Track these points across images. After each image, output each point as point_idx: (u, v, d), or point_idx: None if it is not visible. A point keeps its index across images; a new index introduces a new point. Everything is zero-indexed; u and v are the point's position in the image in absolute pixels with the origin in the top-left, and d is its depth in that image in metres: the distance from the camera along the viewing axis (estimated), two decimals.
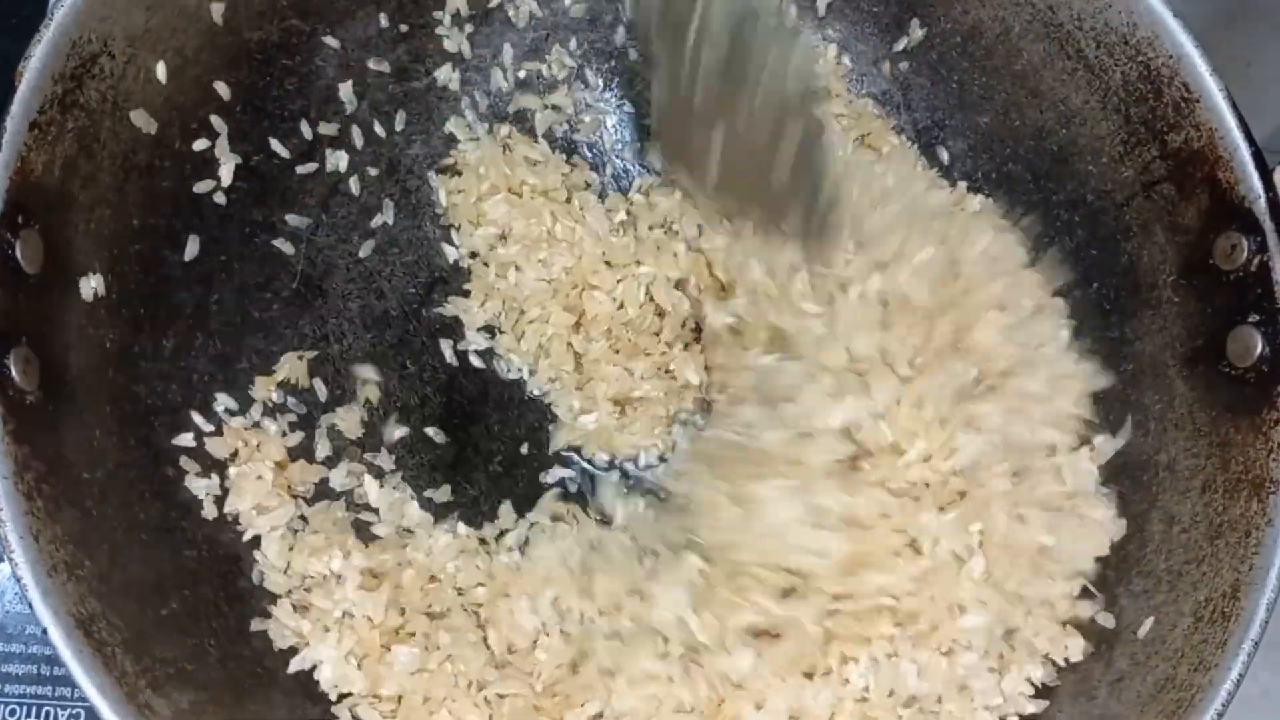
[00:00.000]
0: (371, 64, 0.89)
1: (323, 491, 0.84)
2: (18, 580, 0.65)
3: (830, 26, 0.95)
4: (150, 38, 0.76)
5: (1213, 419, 0.78)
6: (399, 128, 0.91)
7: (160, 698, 0.68)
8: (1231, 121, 0.77)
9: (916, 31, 0.92)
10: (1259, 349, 0.75)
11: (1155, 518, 0.80)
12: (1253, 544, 0.73)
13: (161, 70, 0.78)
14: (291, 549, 0.80)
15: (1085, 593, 0.80)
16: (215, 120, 0.82)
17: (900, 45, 0.93)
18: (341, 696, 0.77)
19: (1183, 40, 0.78)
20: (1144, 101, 0.81)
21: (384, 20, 0.89)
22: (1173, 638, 0.75)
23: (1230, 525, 0.75)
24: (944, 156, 0.93)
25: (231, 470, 0.81)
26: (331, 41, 0.87)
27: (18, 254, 0.68)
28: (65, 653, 0.65)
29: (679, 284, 0.89)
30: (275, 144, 0.86)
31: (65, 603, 0.65)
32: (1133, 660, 0.77)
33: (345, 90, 0.88)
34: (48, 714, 0.86)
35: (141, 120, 0.77)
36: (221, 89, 0.83)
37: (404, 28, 0.90)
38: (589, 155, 0.94)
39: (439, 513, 0.85)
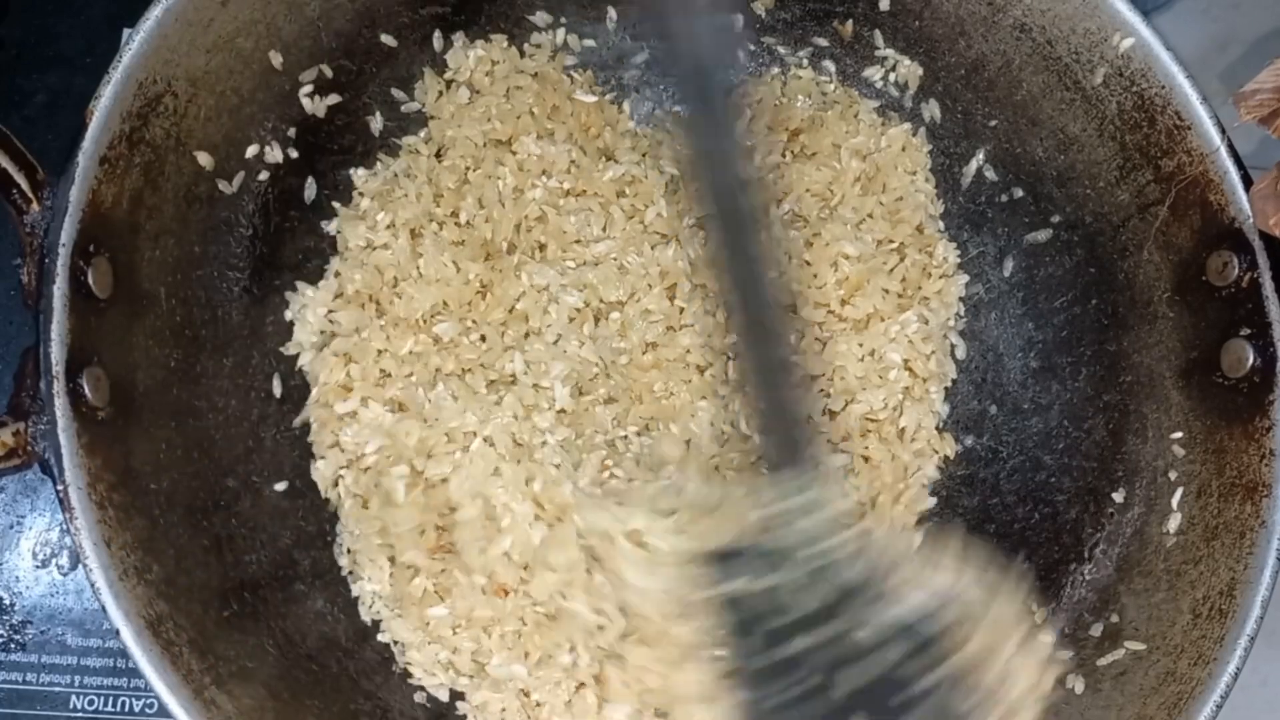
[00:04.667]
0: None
1: None
2: (91, 584, 0.67)
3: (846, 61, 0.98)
4: (210, 79, 0.79)
5: (1208, 427, 0.80)
6: None
7: (224, 694, 0.70)
8: (1221, 147, 0.79)
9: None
10: (1250, 361, 0.77)
11: (1154, 521, 0.82)
12: (1247, 544, 0.75)
13: (220, 108, 0.81)
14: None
15: None
16: (270, 154, 0.86)
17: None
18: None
19: (1174, 71, 0.81)
20: (1138, 129, 0.84)
21: (427, 60, 0.93)
22: (1173, 634, 0.77)
23: (1225, 527, 0.77)
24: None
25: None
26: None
27: (89, 280, 0.70)
28: (136, 652, 0.67)
29: None
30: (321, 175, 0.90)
31: (135, 605, 0.67)
32: (1135, 655, 0.79)
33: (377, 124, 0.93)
34: (123, 703, 0.89)
35: (202, 157, 0.80)
36: (275, 125, 0.86)
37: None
38: None
39: None
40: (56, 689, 0.89)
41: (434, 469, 0.83)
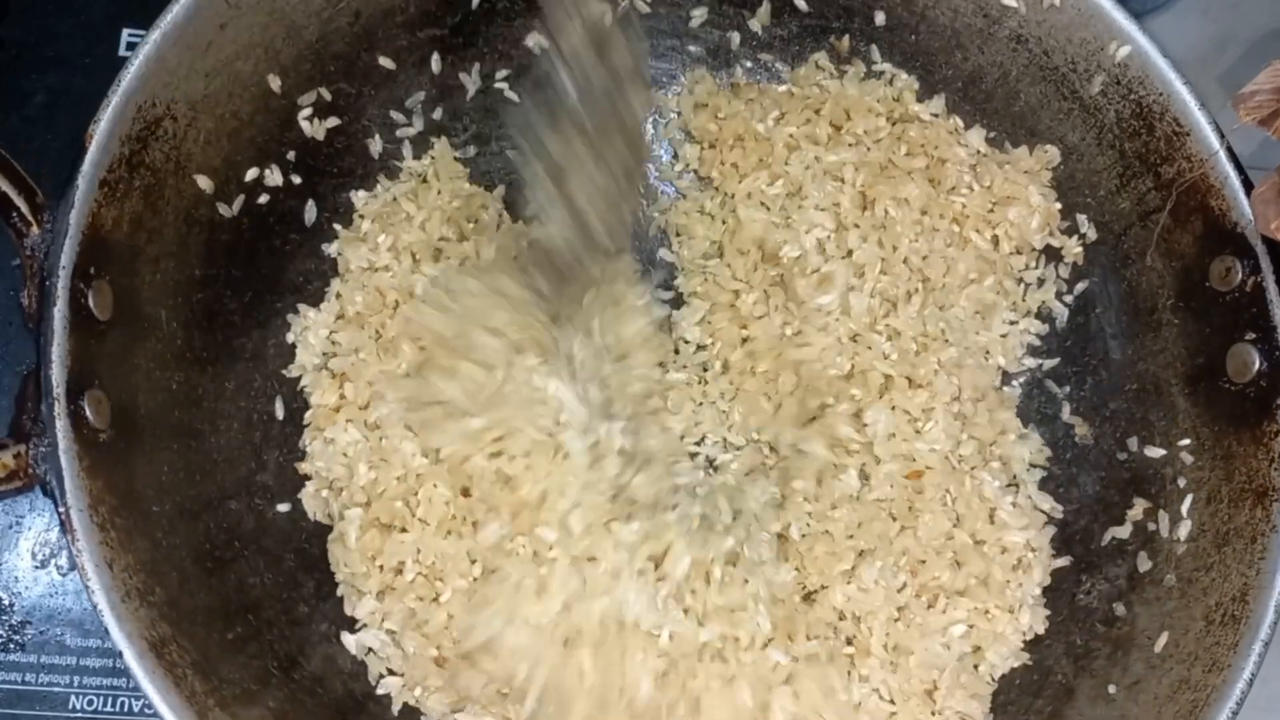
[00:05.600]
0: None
1: None
2: (94, 606, 0.66)
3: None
4: (209, 102, 0.79)
5: (1215, 433, 0.80)
6: None
7: (227, 716, 0.70)
8: (1221, 152, 0.79)
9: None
10: (1257, 365, 0.77)
11: (1165, 528, 0.81)
12: (1259, 549, 0.75)
13: (219, 131, 0.81)
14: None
15: None
16: (269, 177, 0.86)
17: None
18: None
19: (1171, 78, 0.81)
20: (1137, 136, 0.84)
21: (425, 83, 0.94)
22: (1186, 641, 0.77)
23: (1236, 533, 0.77)
24: None
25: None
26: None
27: (90, 303, 0.70)
28: (139, 673, 0.66)
29: None
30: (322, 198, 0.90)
31: (138, 627, 0.67)
32: (1148, 664, 0.78)
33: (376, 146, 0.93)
34: (123, 703, 0.89)
35: (202, 180, 0.80)
36: (275, 148, 0.86)
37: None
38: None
39: None
40: (56, 689, 0.89)
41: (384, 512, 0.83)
